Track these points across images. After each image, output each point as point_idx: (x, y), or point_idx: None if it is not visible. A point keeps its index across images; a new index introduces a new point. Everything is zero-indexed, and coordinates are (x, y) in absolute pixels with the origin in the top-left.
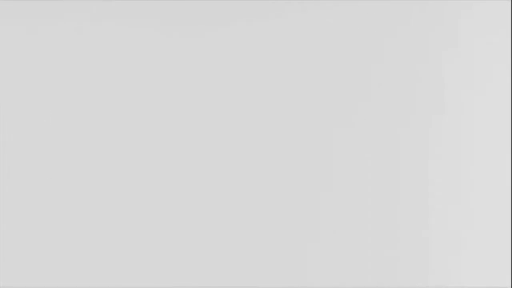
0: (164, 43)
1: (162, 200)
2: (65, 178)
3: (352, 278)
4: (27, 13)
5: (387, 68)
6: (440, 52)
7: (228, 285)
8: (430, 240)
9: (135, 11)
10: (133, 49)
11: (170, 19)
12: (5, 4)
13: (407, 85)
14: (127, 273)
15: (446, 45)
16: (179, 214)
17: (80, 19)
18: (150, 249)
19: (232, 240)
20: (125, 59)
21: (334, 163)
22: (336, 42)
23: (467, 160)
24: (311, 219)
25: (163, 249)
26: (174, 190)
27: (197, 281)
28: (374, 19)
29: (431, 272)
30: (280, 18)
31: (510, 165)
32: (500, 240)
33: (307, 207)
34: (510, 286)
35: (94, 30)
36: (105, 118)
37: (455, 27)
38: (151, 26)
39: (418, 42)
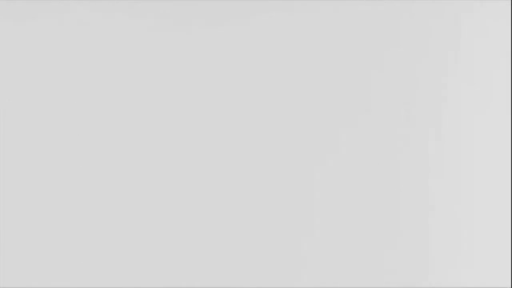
0: (162, 40)
1: (161, 199)
2: (65, 178)
3: (352, 278)
4: (27, 13)
5: (388, 68)
6: (440, 52)
7: (228, 285)
8: (430, 240)
9: (134, 9)
10: (131, 47)
11: (168, 18)
12: (5, 3)
13: (408, 86)
14: (128, 273)
15: (447, 45)
16: (178, 214)
17: (79, 17)
18: (149, 248)
19: (231, 240)
20: (123, 57)
21: (334, 163)
22: (335, 43)
23: (467, 160)
24: (311, 219)
25: (161, 248)
26: (172, 189)
27: (197, 281)
28: (375, 20)
29: (431, 272)
30: (280, 18)
31: (510, 166)
32: (500, 240)
33: (307, 207)
34: (510, 286)
35: (93, 28)
36: (104, 117)
37: (456, 27)
38: (149, 25)
39: (418, 43)
